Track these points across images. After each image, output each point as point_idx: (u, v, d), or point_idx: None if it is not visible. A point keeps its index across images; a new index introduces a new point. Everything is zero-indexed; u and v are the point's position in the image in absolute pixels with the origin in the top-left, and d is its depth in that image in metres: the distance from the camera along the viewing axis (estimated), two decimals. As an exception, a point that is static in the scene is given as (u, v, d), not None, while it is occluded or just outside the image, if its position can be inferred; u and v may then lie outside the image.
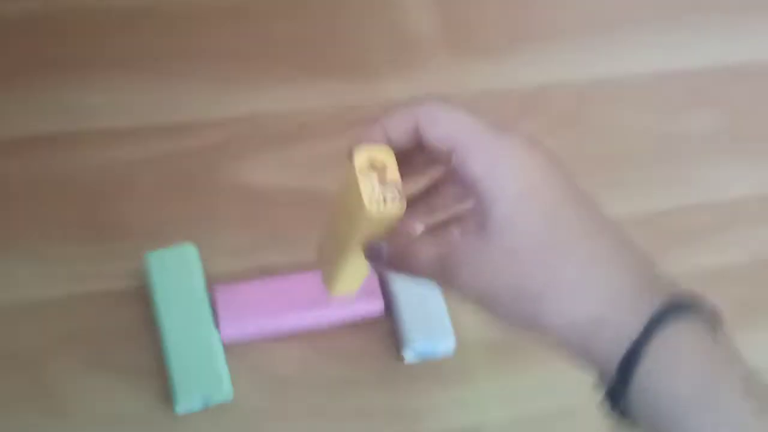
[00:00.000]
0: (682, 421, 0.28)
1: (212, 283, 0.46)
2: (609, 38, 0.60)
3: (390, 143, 0.33)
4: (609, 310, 0.29)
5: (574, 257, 0.30)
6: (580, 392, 0.45)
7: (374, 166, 0.32)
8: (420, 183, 0.35)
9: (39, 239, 0.47)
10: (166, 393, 0.43)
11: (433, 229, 0.36)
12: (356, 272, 0.38)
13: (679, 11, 0.63)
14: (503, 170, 0.31)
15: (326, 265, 0.38)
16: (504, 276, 0.31)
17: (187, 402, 0.41)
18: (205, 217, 0.49)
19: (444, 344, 0.45)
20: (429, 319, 0.45)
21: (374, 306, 0.45)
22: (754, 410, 0.28)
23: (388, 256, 0.34)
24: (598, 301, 0.30)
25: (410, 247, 0.33)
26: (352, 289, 0.39)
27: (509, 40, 0.59)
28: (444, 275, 0.32)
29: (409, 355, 0.45)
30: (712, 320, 0.30)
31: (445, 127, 0.32)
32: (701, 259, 0.51)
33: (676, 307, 0.29)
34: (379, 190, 0.32)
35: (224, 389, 0.42)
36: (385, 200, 0.32)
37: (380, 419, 0.44)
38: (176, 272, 0.45)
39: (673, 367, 0.28)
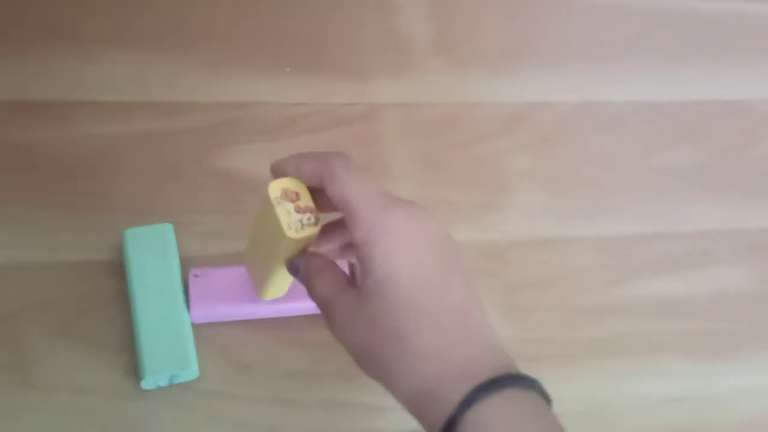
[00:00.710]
0: None
1: (187, 264, 0.47)
2: (599, 66, 0.62)
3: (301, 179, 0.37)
4: (438, 385, 0.33)
5: (421, 332, 0.33)
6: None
7: (288, 196, 0.37)
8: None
9: (20, 205, 0.48)
10: (133, 367, 0.43)
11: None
12: (282, 281, 0.43)
13: (669, 47, 0.65)
14: (380, 244, 0.34)
15: (254, 273, 0.43)
16: (363, 337, 0.34)
17: (153, 378, 0.42)
18: (186, 199, 0.50)
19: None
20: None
21: (344, 301, 0.46)
22: None
23: (301, 275, 0.39)
24: (431, 375, 0.33)
25: (312, 277, 0.38)
26: (281, 293, 0.44)
27: (500, 55, 0.61)
28: (324, 315, 0.37)
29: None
30: (536, 394, 0.33)
31: (342, 188, 0.35)
32: (665, 288, 0.53)
33: (495, 383, 0.32)
34: (295, 216, 0.37)
35: (191, 368, 0.43)
36: (301, 225, 0.37)
37: (341, 413, 0.45)
38: (152, 250, 0.46)
39: None
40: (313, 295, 0.38)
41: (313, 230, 0.37)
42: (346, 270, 0.47)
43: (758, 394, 0.50)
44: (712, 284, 0.54)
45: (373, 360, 0.35)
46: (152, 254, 0.45)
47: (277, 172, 0.38)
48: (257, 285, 0.44)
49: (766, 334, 0.52)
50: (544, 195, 0.55)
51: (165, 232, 0.46)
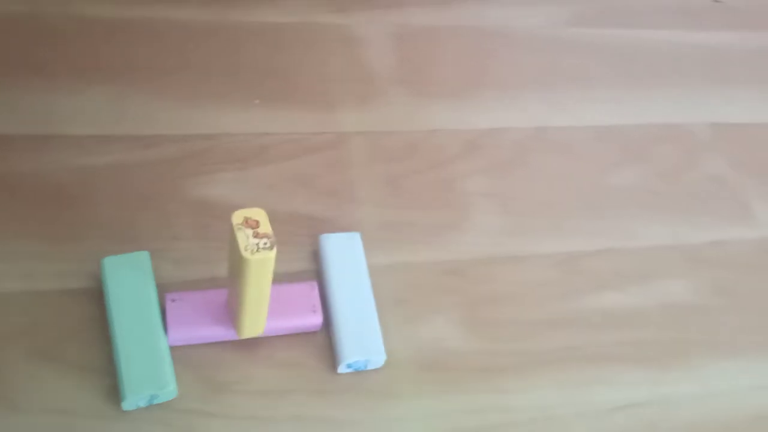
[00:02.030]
0: None
1: (164, 289, 0.49)
2: (550, 94, 0.66)
3: None
4: None
5: None
6: (489, 415, 0.51)
7: (249, 224, 0.40)
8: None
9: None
10: (114, 390, 0.45)
11: None
12: (256, 314, 0.46)
13: (613, 75, 0.69)
14: None
15: (232, 308, 0.46)
16: None
17: (133, 399, 0.44)
18: (161, 227, 0.52)
19: (375, 360, 0.49)
20: (363, 335, 0.49)
21: (314, 320, 0.49)
22: None
23: None
24: None
25: None
26: (258, 331, 0.48)
27: (458, 84, 0.64)
28: None
29: (342, 368, 0.49)
30: None
31: None
32: (614, 302, 0.56)
33: None
34: (252, 240, 0.40)
35: (169, 388, 0.45)
36: (257, 248, 0.40)
37: (311, 426, 0.47)
38: (130, 277, 0.48)
39: None
40: None
41: (268, 254, 0.40)
42: (317, 292, 0.50)
43: (705, 399, 0.54)
44: (658, 297, 0.58)
45: None
46: (130, 281, 0.48)
47: None
48: (235, 320, 0.47)
49: (711, 342, 0.56)
50: (501, 215, 0.59)
51: (142, 260, 0.49)
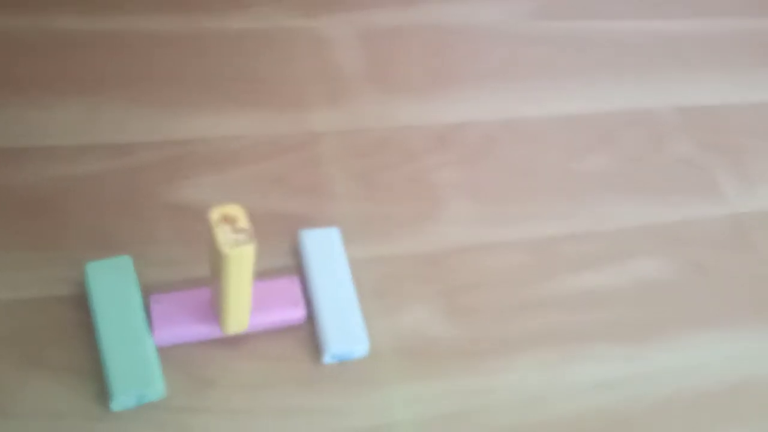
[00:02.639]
0: None
1: (148, 292, 0.50)
2: (516, 86, 0.68)
3: None
4: None
5: None
6: (472, 398, 0.52)
7: (227, 220, 0.41)
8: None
9: (-17, 248, 0.50)
10: (103, 392, 0.46)
11: None
12: (239, 309, 0.47)
13: (578, 65, 0.71)
14: None
15: (216, 305, 0.47)
16: None
17: (122, 399, 0.45)
18: (142, 232, 0.53)
19: (359, 348, 0.50)
20: (346, 325, 0.50)
21: (297, 314, 0.50)
22: None
23: None
24: None
25: None
26: (242, 326, 0.48)
27: (426, 80, 0.66)
28: None
29: (327, 358, 0.50)
30: None
31: None
32: (588, 282, 0.58)
33: None
34: (231, 236, 0.41)
35: (157, 388, 0.46)
36: (236, 243, 0.41)
37: (300, 418, 0.48)
38: (113, 281, 0.49)
39: None
40: None
41: (247, 248, 0.41)
42: (299, 287, 0.51)
43: (683, 372, 0.55)
44: (632, 275, 0.59)
45: None
46: (114, 285, 0.48)
47: None
48: (219, 317, 0.48)
49: (686, 317, 0.58)
50: (474, 205, 0.60)
51: (124, 264, 0.49)
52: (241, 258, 0.42)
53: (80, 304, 0.49)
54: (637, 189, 0.64)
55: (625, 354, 0.55)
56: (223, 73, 0.62)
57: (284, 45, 0.65)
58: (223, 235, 0.41)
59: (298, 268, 0.54)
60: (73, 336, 0.48)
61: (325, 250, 0.53)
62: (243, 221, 0.42)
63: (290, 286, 0.51)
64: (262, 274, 0.53)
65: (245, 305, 0.47)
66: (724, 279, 0.61)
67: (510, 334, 0.54)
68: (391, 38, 0.68)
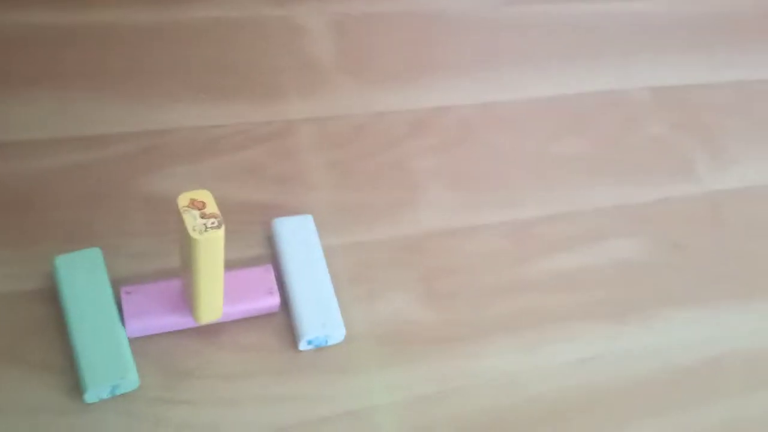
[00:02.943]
0: None
1: (121, 283, 0.49)
2: (491, 72, 0.68)
3: None
4: None
5: None
6: (452, 380, 0.52)
7: (195, 205, 0.41)
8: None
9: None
10: (76, 385, 0.46)
11: None
12: (212, 297, 0.46)
13: (550, 50, 0.71)
14: None
15: (188, 294, 0.47)
16: None
17: (95, 390, 0.45)
18: (116, 224, 0.53)
19: (335, 334, 0.50)
20: (321, 311, 0.50)
21: (272, 301, 0.50)
22: None
23: None
24: None
25: None
26: (216, 315, 0.48)
27: (401, 67, 0.66)
28: None
29: (303, 345, 0.49)
30: None
31: None
32: (566, 264, 0.58)
33: None
34: (200, 221, 0.41)
35: (130, 378, 0.45)
36: (205, 228, 0.40)
37: (278, 405, 0.48)
38: (83, 274, 0.48)
39: None
40: None
41: (216, 233, 0.40)
42: (273, 275, 0.51)
43: (661, 349, 0.55)
44: (610, 255, 0.59)
45: None
46: (83, 277, 0.48)
47: None
48: (192, 307, 0.47)
49: (663, 295, 0.58)
50: (451, 190, 0.60)
51: (94, 256, 0.49)
52: (210, 243, 0.41)
53: (51, 298, 0.48)
54: (612, 170, 0.64)
55: (604, 333, 0.55)
56: (195, 63, 0.62)
57: (258, 34, 0.65)
58: (192, 221, 0.41)
59: (273, 257, 0.53)
60: (44, 330, 0.47)
61: (299, 237, 0.53)
62: (212, 206, 0.41)
63: (264, 274, 0.51)
64: (236, 263, 0.53)
65: (217, 293, 0.46)
66: (700, 256, 0.61)
67: (488, 317, 0.54)
68: (365, 26, 0.68)
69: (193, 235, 0.40)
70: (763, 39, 0.79)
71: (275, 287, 0.50)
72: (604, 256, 0.59)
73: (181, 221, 0.41)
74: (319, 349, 0.50)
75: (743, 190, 0.66)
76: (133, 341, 0.48)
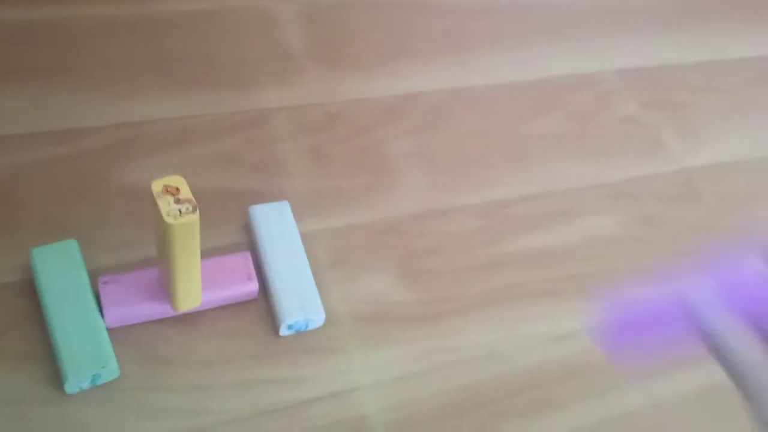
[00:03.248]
0: None
1: (99, 274, 0.49)
2: (462, 56, 0.68)
3: None
4: None
5: None
6: (433, 358, 0.52)
7: (169, 191, 0.41)
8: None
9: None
10: (56, 375, 0.46)
11: None
12: (189, 284, 0.46)
13: (520, 32, 0.72)
14: None
15: (165, 282, 0.47)
16: None
17: (76, 380, 0.45)
18: (93, 216, 0.53)
19: (315, 318, 0.50)
20: (301, 296, 0.50)
21: (250, 287, 0.50)
22: None
23: None
24: None
25: None
26: (195, 303, 0.48)
27: (373, 54, 0.66)
28: None
29: (283, 330, 0.50)
30: None
31: None
32: (541, 241, 0.59)
33: None
34: (174, 206, 0.41)
35: (110, 368, 0.45)
36: (180, 213, 0.40)
37: (259, 389, 0.48)
38: (60, 265, 0.48)
39: None
40: None
41: (191, 218, 0.40)
42: (251, 261, 0.51)
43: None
44: (585, 233, 0.60)
45: None
46: (60, 268, 0.48)
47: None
48: (170, 295, 0.47)
49: (638, 269, 0.59)
50: (427, 173, 0.60)
51: (70, 247, 0.49)
52: (186, 229, 0.41)
53: (29, 290, 0.48)
54: (584, 150, 0.65)
55: (579, 308, 0.56)
56: (168, 55, 0.62)
57: (230, 25, 0.65)
58: (167, 206, 0.41)
59: (251, 245, 0.54)
60: (23, 322, 0.47)
61: (276, 223, 0.53)
62: (186, 192, 0.41)
63: (242, 260, 0.51)
64: (213, 252, 0.53)
65: (195, 280, 0.46)
66: (673, 231, 0.62)
67: (466, 296, 0.55)
68: (335, 15, 0.68)
69: (168, 220, 0.40)
70: (727, 19, 0.80)
71: (253, 273, 0.50)
72: (578, 233, 0.60)
73: (156, 207, 0.41)
74: (300, 333, 0.50)
75: (714, 166, 0.67)
76: (112, 331, 0.48)
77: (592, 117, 0.68)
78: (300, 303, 0.50)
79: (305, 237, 0.54)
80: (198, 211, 0.41)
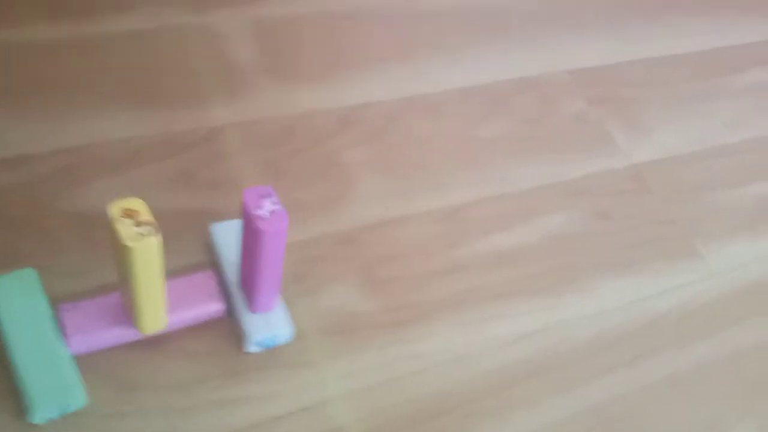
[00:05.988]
0: None
1: (58, 302, 0.48)
2: (411, 64, 0.69)
3: None
4: None
5: None
6: (401, 365, 0.52)
7: (128, 214, 0.40)
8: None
9: None
10: (22, 409, 0.44)
11: None
12: (153, 306, 0.46)
13: (465, 39, 0.73)
14: None
15: (128, 306, 0.46)
16: None
17: (42, 412, 0.44)
18: (44, 244, 0.52)
19: (282, 333, 0.50)
20: (267, 312, 0.50)
21: (216, 307, 0.50)
22: None
23: None
24: None
25: None
26: (160, 325, 0.47)
27: (323, 66, 0.66)
28: None
29: (251, 347, 0.49)
30: None
31: None
32: (500, 243, 0.60)
33: None
34: (134, 229, 0.40)
35: (77, 396, 0.44)
36: (141, 236, 0.40)
37: (230, 408, 0.48)
38: (18, 295, 0.47)
39: None
40: None
41: (152, 240, 0.40)
42: (215, 280, 0.50)
43: (599, 316, 0.58)
44: (543, 231, 0.61)
45: None
46: (19, 298, 0.47)
47: None
48: (134, 318, 0.46)
49: (597, 264, 0.60)
50: (383, 181, 0.61)
51: (28, 276, 0.48)
52: (146, 251, 0.41)
53: (-13, 323, 0.47)
54: (536, 150, 0.67)
55: (542, 306, 0.57)
56: (111, 76, 0.61)
57: (175, 43, 0.64)
58: (126, 230, 0.40)
59: (212, 263, 0.53)
60: (-18, 357, 0.46)
61: (236, 241, 0.53)
62: (145, 214, 0.41)
63: (206, 280, 0.50)
64: (176, 272, 0.52)
65: (158, 302, 0.46)
66: (628, 224, 0.64)
67: (429, 300, 0.55)
68: (284, 28, 0.68)
69: (129, 243, 0.40)
70: (669, 15, 0.83)
71: (218, 293, 0.50)
72: (535, 232, 0.61)
73: (115, 232, 0.40)
74: (268, 349, 0.50)
75: (663, 158, 0.69)
76: (79, 358, 0.47)
77: (542, 117, 0.69)
78: (266, 319, 0.49)
79: (267, 252, 0.54)
80: (159, 233, 0.41)
